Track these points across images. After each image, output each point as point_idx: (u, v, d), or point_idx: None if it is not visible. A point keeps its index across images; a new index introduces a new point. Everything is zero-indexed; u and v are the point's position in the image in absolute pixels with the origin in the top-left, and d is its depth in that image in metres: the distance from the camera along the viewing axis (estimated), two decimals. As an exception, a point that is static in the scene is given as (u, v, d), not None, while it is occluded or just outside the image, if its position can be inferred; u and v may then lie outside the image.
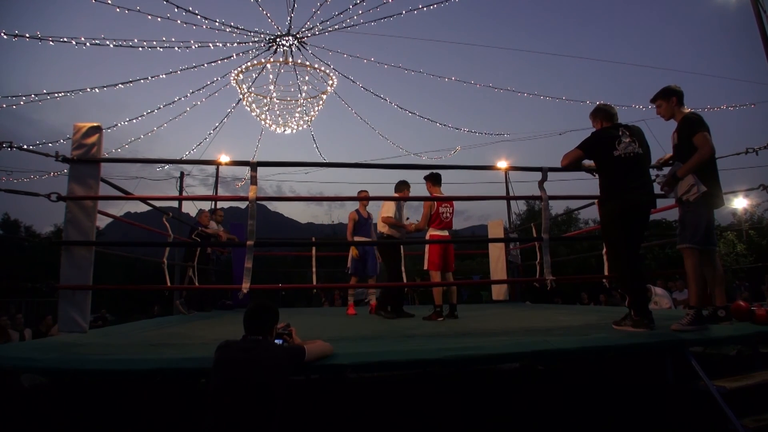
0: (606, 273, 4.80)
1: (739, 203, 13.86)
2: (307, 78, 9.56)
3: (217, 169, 10.97)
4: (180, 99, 11.01)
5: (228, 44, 9.58)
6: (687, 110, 3.12)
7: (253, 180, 3.43)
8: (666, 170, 3.28)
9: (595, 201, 3.80)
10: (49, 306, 10.45)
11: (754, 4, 6.80)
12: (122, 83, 10.07)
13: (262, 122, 9.88)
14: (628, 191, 2.93)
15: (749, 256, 13.41)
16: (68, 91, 9.71)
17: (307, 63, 9.31)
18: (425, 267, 4.67)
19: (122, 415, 2.60)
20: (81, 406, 2.65)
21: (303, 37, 9.36)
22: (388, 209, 5.14)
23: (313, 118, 10.27)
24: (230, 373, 1.85)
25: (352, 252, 5.50)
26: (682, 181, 3.01)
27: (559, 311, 5.22)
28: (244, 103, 9.70)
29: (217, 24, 8.58)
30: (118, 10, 7.37)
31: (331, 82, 9.51)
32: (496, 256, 7.52)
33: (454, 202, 4.73)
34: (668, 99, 3.15)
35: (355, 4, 8.15)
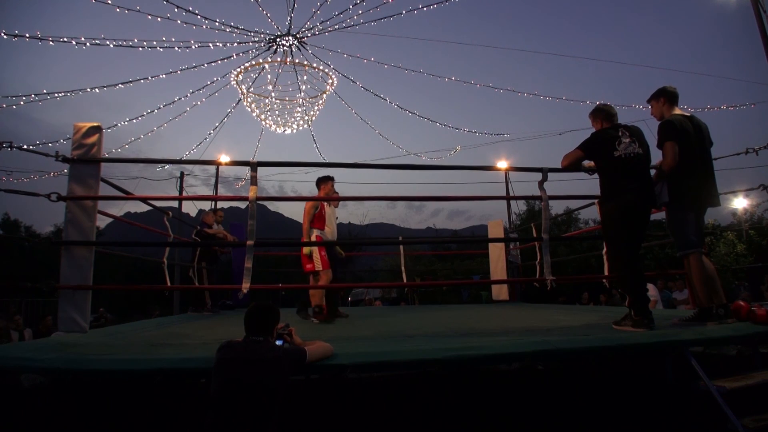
0: (606, 273, 4.81)
1: (739, 203, 13.85)
2: (306, 78, 9.58)
3: (217, 169, 10.96)
4: (180, 99, 11.02)
5: (228, 44, 9.59)
6: (677, 111, 3.14)
7: (253, 180, 3.44)
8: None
9: (595, 201, 3.81)
10: (49, 306, 10.45)
11: (754, 4, 6.80)
12: (122, 83, 10.07)
13: (263, 122, 9.88)
14: (628, 191, 2.93)
15: (749, 256, 13.39)
16: (68, 91, 9.72)
17: (306, 63, 9.32)
18: (317, 268, 4.42)
19: (122, 415, 2.61)
20: (81, 406, 2.65)
21: (303, 37, 9.36)
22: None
23: (313, 118, 10.27)
24: (231, 374, 1.86)
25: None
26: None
27: (559, 311, 5.22)
28: (245, 103, 9.70)
29: (217, 24, 8.59)
30: (118, 10, 7.38)
31: (330, 81, 9.51)
32: (496, 256, 7.52)
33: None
34: (657, 99, 3.20)
35: (355, 4, 8.16)
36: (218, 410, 1.79)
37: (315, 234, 4.53)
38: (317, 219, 4.57)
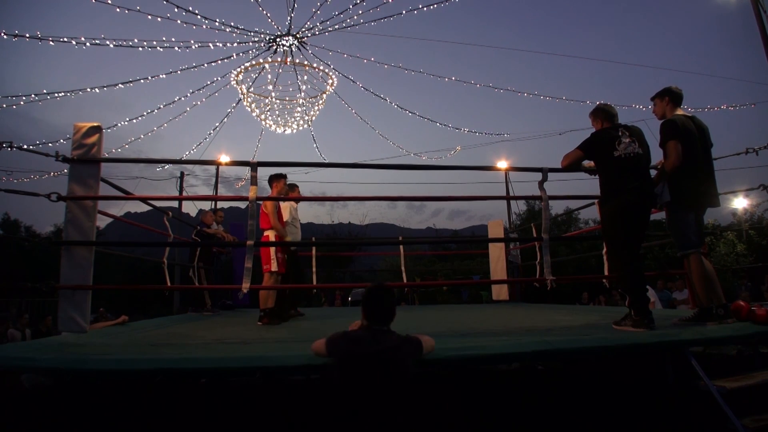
0: (606, 273, 4.80)
1: (739, 203, 13.86)
2: (306, 78, 9.58)
3: (217, 170, 10.96)
4: (180, 99, 11.03)
5: (228, 44, 9.59)
6: (680, 111, 3.14)
7: (254, 180, 3.44)
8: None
9: (595, 201, 3.80)
10: (49, 306, 10.46)
11: (754, 4, 6.80)
12: (122, 83, 10.08)
13: (263, 122, 9.88)
14: (628, 191, 2.93)
15: (749, 256, 13.38)
16: (69, 91, 9.72)
17: (306, 63, 9.32)
18: (272, 268, 4.32)
19: (122, 415, 2.60)
20: (81, 406, 2.65)
21: (303, 37, 9.36)
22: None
23: (313, 118, 10.27)
24: (362, 369, 1.86)
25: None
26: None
27: (559, 311, 5.22)
28: (245, 103, 9.70)
29: (217, 24, 8.59)
30: (118, 10, 7.39)
31: (331, 81, 9.51)
32: (496, 256, 7.52)
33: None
34: (662, 98, 3.20)
35: (355, 4, 8.17)
36: (350, 404, 1.82)
37: (272, 234, 4.43)
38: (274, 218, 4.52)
